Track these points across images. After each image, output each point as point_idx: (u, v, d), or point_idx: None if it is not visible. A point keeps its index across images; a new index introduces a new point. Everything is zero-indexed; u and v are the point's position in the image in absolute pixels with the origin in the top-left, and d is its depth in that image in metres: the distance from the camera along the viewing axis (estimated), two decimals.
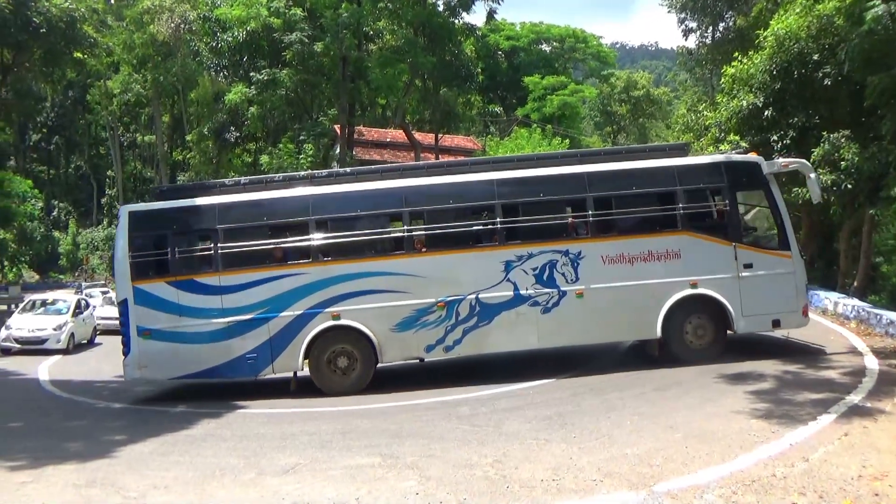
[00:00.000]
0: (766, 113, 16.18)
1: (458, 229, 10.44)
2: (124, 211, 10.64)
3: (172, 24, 39.87)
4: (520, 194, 10.52)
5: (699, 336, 10.31)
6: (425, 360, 10.68)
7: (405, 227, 10.29)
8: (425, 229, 10.46)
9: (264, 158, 31.13)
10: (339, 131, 32.11)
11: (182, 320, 10.03)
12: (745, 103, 16.40)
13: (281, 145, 30.54)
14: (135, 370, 10.16)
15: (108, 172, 58.12)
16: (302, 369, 10.28)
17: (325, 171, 12.22)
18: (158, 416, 9.33)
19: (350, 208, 10.44)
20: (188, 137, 45.98)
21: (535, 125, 47.25)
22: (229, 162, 44.13)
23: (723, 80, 18.35)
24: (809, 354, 10.34)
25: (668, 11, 26.63)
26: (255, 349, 10.03)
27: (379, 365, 10.22)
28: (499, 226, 10.32)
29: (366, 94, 34.35)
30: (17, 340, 17.46)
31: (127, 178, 55.82)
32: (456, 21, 31.16)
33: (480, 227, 10.60)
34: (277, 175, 12.82)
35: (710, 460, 5.73)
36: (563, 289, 10.13)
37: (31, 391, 11.06)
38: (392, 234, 10.50)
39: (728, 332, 10.39)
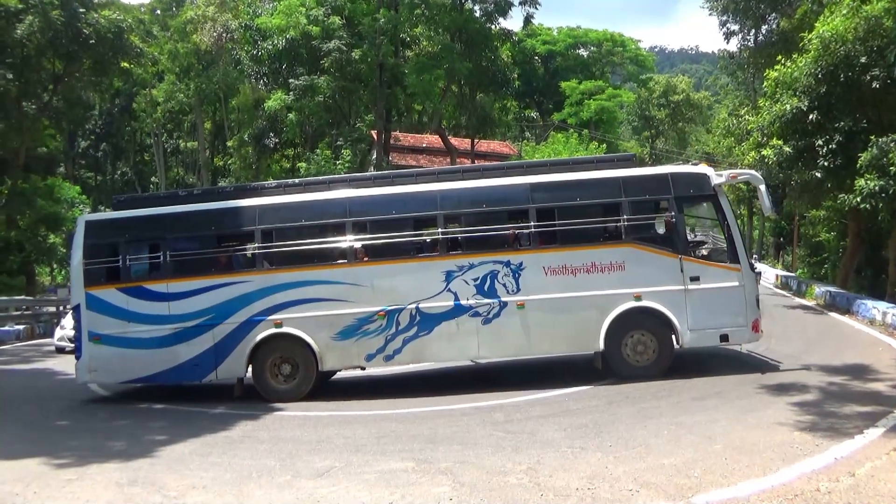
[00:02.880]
0: (810, 117, 15.82)
1: (399, 239, 10.43)
2: (81, 220, 11.02)
3: (215, 34, 40.81)
4: (462, 205, 10.50)
5: (638, 352, 10.02)
6: (365, 368, 10.72)
7: (347, 237, 10.33)
8: (367, 239, 10.43)
9: (302, 164, 31.59)
10: (375, 137, 32.44)
11: (130, 326, 10.28)
12: (788, 107, 16.05)
13: (319, 151, 30.96)
14: (85, 374, 10.47)
15: (153, 178, 59.66)
16: (245, 375, 10.41)
17: (273, 182, 12.51)
18: (198, 416, 9.51)
19: (294, 218, 10.53)
20: (229, 144, 47.00)
21: (571, 130, 46.98)
22: (268, 167, 44.92)
23: (765, 83, 17.98)
24: (855, 366, 10.00)
25: (710, 14, 26.28)
26: (199, 355, 10.20)
27: (321, 369, 10.21)
28: (440, 236, 10.30)
29: (402, 99, 34.71)
30: (70, 340, 18.01)
31: (170, 183, 57.20)
32: (492, 27, 31.23)
33: (422, 238, 10.58)
34: (228, 185, 13.12)
35: (750, 473, 5.58)
36: (503, 300, 10.00)
37: (76, 391, 11.39)
38: (334, 244, 10.51)
39: (675, 346, 10.06)
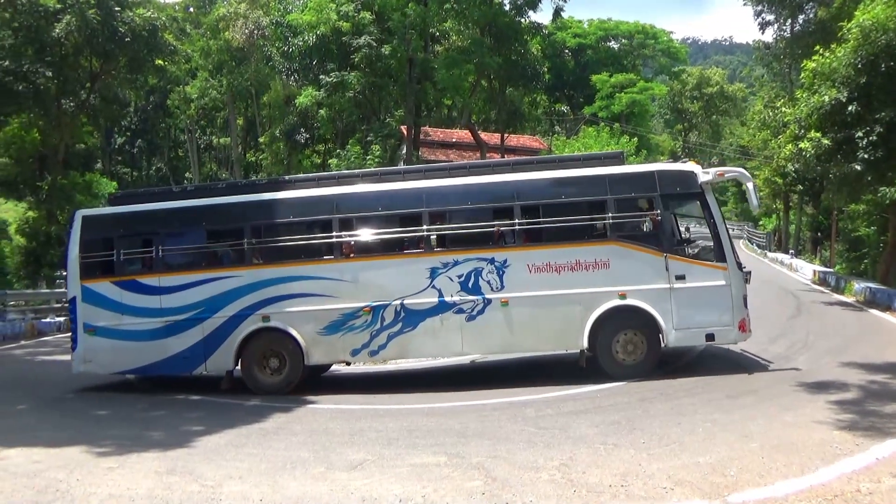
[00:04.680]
0: (850, 108, 15.41)
1: (385, 236, 10.52)
2: (78, 215, 11.29)
3: (246, 31, 41.26)
4: (448, 202, 10.53)
5: (629, 352, 9.94)
6: (351, 363, 10.85)
7: (335, 233, 10.37)
8: (353, 235, 10.49)
9: (332, 161, 31.83)
10: (405, 132, 32.49)
11: (123, 318, 10.56)
12: (826, 98, 15.65)
13: (349, 147, 31.13)
14: (80, 364, 10.81)
15: (187, 174, 60.72)
16: (235, 368, 10.61)
17: (264, 179, 12.71)
18: (233, 408, 9.68)
19: (282, 214, 10.67)
20: (261, 139, 47.52)
21: (602, 124, 46.52)
22: (299, 163, 45.36)
23: (803, 74, 17.56)
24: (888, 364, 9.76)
25: (744, 4, 25.76)
26: (189, 348, 10.43)
27: (307, 363, 10.34)
28: (425, 233, 10.31)
29: (432, 95, 34.69)
30: None
31: (203, 178, 58.10)
32: (522, 20, 31.00)
33: (407, 234, 10.55)
34: (220, 182, 13.30)
35: (788, 472, 5.48)
36: (488, 297, 9.99)
37: (113, 381, 11.68)
38: (322, 240, 10.58)
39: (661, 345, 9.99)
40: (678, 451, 6.23)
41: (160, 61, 31.61)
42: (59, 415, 9.64)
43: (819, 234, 36.14)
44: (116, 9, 26.51)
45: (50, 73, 26.84)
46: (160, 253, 10.72)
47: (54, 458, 7.03)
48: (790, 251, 36.27)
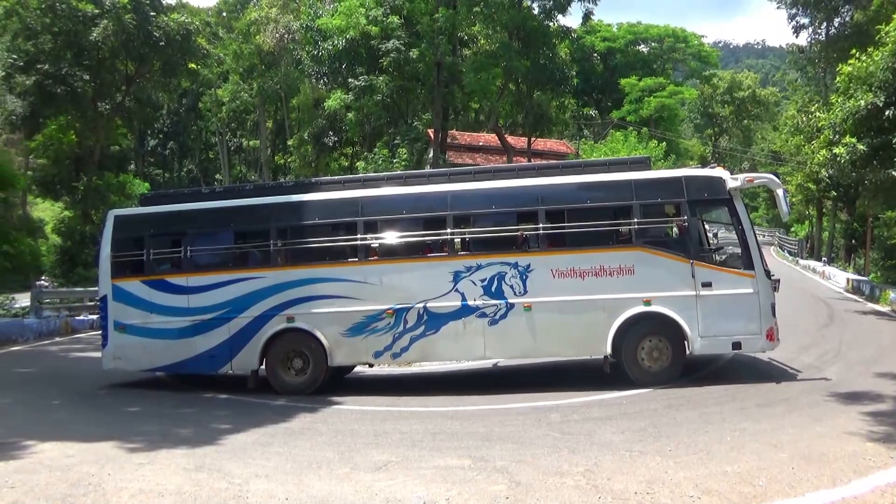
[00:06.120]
0: (887, 113, 15.08)
1: (409, 239, 10.54)
2: (110, 215, 11.56)
3: (277, 35, 41.87)
4: (472, 206, 10.47)
5: (654, 358, 9.80)
6: (373, 365, 10.95)
7: (359, 236, 10.41)
8: (378, 238, 10.52)
9: (360, 164, 32.05)
10: (432, 136, 32.57)
11: (152, 317, 10.79)
12: (863, 103, 15.34)
13: (376, 150, 31.31)
14: (110, 361, 11.10)
15: (217, 176, 61.70)
16: (259, 368, 10.71)
17: (292, 181, 12.80)
18: (260, 407, 9.79)
19: (308, 216, 10.76)
20: (289, 142, 48.10)
21: (630, 128, 46.13)
22: (327, 165, 45.79)
23: (838, 78, 17.23)
24: None
25: (778, 7, 25.42)
26: (215, 347, 10.59)
27: (330, 364, 10.41)
28: (449, 236, 10.32)
29: (459, 98, 34.74)
30: None
31: (233, 180, 58.94)
32: (551, 24, 30.89)
33: (431, 238, 10.52)
34: (248, 183, 13.44)
35: (819, 483, 5.37)
36: (510, 301, 9.94)
37: (143, 378, 11.90)
38: (346, 242, 10.65)
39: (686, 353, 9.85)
40: (706, 460, 6.15)
41: (193, 65, 32.22)
42: (92, 410, 9.86)
43: (853, 241, 35.36)
44: (152, 14, 27.12)
45: (87, 77, 27.53)
46: (188, 253, 10.93)
47: (87, 452, 7.19)
48: (823, 258, 35.56)
